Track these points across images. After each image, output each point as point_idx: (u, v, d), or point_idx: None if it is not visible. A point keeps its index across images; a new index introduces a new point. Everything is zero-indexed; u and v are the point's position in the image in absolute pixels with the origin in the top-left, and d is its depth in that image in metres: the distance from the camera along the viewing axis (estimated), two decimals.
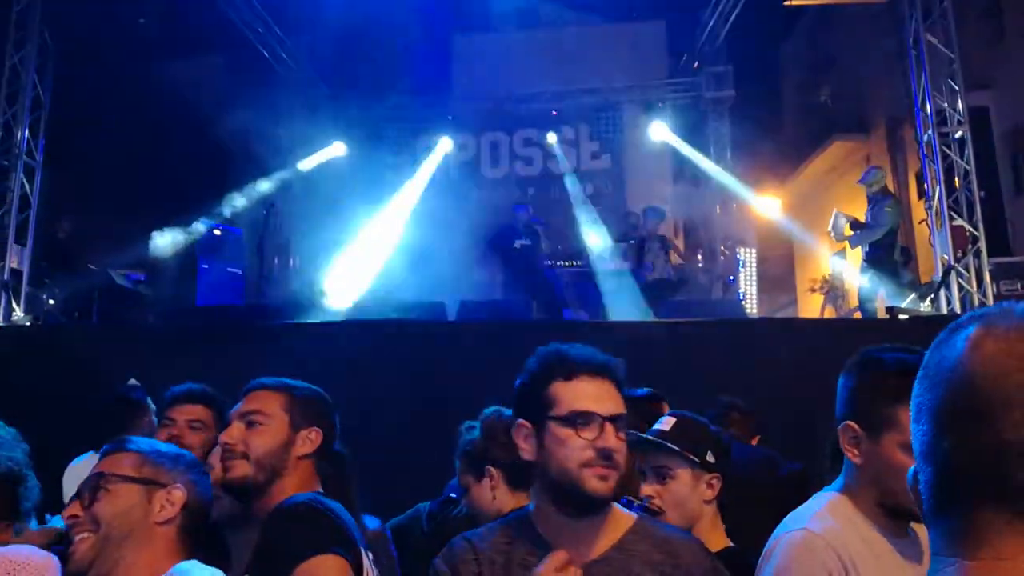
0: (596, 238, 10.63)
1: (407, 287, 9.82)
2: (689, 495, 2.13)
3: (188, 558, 1.69)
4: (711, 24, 12.47)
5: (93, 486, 1.67)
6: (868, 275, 8.20)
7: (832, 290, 17.10)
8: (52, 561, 1.71)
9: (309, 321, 7.33)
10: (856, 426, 1.63)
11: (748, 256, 13.86)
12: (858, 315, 8.72)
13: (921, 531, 1.65)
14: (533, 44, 12.87)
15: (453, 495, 3.49)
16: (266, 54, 12.42)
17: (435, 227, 11.09)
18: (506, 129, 13.72)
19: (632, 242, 9.26)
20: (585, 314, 9.18)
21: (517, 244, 8.97)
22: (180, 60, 9.01)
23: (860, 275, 8.47)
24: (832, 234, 8.61)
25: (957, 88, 8.02)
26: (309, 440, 2.00)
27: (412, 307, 7.53)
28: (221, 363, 5.72)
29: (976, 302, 7.38)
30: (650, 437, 2.15)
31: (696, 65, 13.46)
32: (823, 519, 1.63)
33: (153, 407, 3.95)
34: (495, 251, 9.47)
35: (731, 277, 13.19)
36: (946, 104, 7.95)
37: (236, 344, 6.17)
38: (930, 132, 8.01)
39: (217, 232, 10.19)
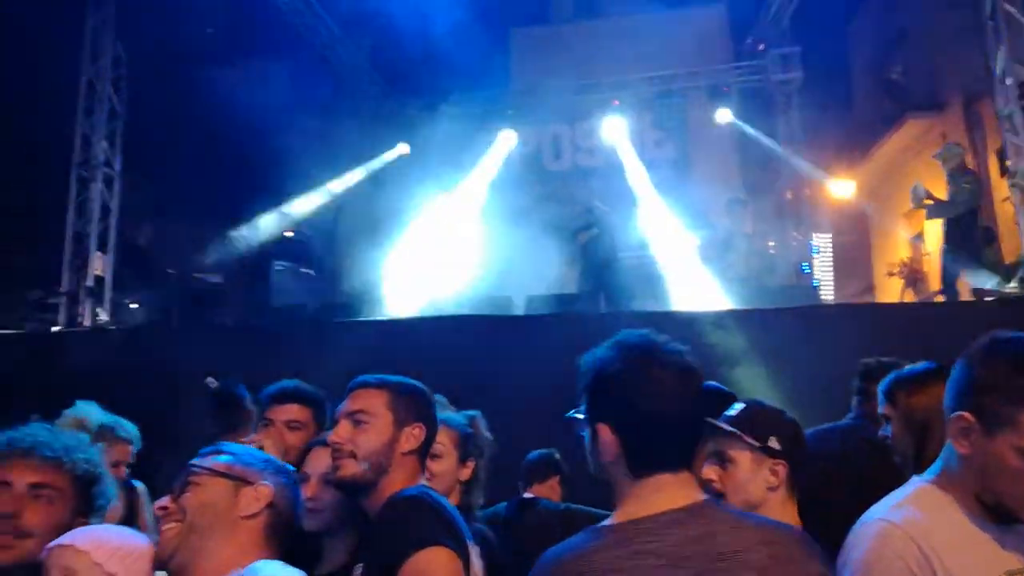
0: (664, 226, 10.48)
1: (474, 282, 9.87)
2: (749, 480, 2.08)
3: (271, 557, 1.71)
4: (776, 5, 12.17)
5: (184, 480, 1.73)
6: (949, 257, 7.88)
7: (912, 273, 16.55)
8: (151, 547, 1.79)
9: (378, 318, 7.45)
10: (971, 417, 1.54)
11: (822, 241, 13.52)
12: (940, 299, 8.40)
13: None
14: (592, 34, 12.79)
15: (529, 495, 3.49)
16: (329, 59, 12.66)
17: (500, 222, 11.12)
18: (567, 121, 13.65)
19: (717, 236, 9.10)
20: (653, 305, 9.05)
21: (585, 235, 8.86)
22: (247, 68, 9.24)
23: (941, 257, 8.14)
24: (912, 202, 8.31)
25: None
26: (413, 436, 2.04)
27: (480, 302, 7.58)
28: (296, 360, 5.84)
29: None
30: (710, 421, 2.11)
31: (761, 47, 13.16)
32: (904, 508, 1.58)
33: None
34: (565, 242, 9.36)
35: (804, 263, 12.88)
36: None
37: (309, 341, 6.31)
38: (1011, 105, 7.66)
39: (289, 234, 10.45)
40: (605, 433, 1.52)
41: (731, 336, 5.47)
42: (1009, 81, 7.67)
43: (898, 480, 1.82)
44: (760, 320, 5.97)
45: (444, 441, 2.52)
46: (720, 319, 5.95)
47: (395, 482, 1.95)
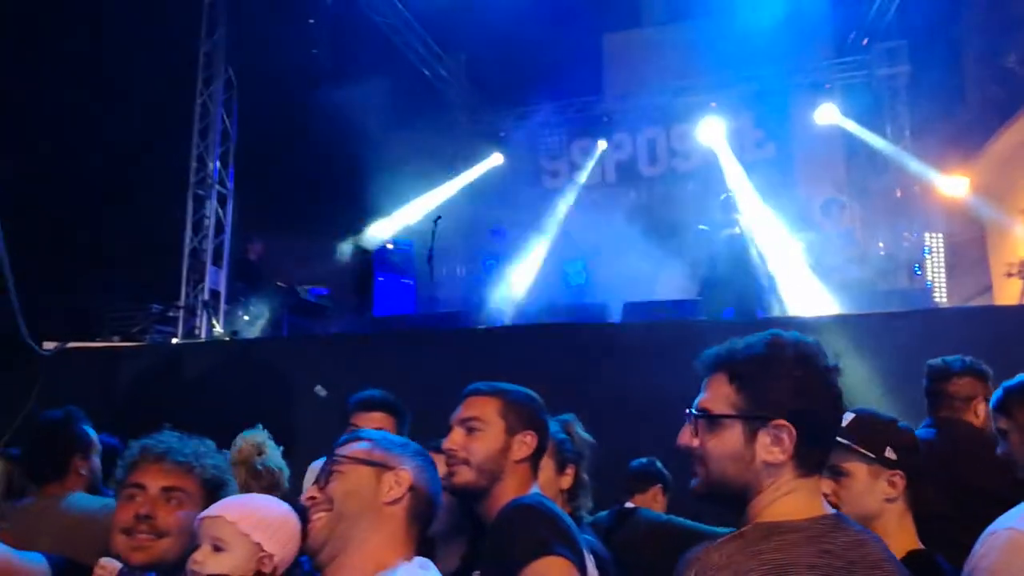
0: (768, 229, 10.19)
1: (570, 290, 9.88)
2: (865, 492, 2.02)
3: (416, 544, 1.77)
4: None
5: (328, 469, 1.79)
6: None
7: None
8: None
9: (478, 326, 7.55)
10: None
11: (935, 241, 12.93)
12: None
13: None
14: (684, 35, 12.62)
15: (630, 505, 3.46)
16: (426, 72, 12.97)
17: (596, 229, 11.10)
18: (662, 125, 13.47)
19: (817, 237, 8.68)
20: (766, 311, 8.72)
21: (725, 234, 8.45)
22: (348, 86, 9.57)
23: None
24: None
25: None
26: (525, 444, 2.07)
27: (575, 309, 7.59)
28: (398, 368, 5.99)
29: None
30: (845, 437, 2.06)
31: (865, 41, 12.70)
32: None
33: None
34: (700, 240, 8.89)
35: (916, 264, 12.34)
36: None
37: (411, 350, 6.45)
38: None
39: (390, 246, 10.75)
40: (786, 432, 1.42)
41: (842, 341, 5.29)
42: None
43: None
44: (871, 325, 5.76)
45: None
46: (830, 324, 5.78)
47: (508, 490, 1.98)
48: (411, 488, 1.76)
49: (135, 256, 9.03)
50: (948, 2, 16.30)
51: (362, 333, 8.30)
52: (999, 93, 16.74)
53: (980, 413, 3.16)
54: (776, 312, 7.93)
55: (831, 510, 1.46)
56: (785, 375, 1.43)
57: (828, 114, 12.27)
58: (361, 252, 10.60)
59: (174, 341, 8.41)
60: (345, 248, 10.38)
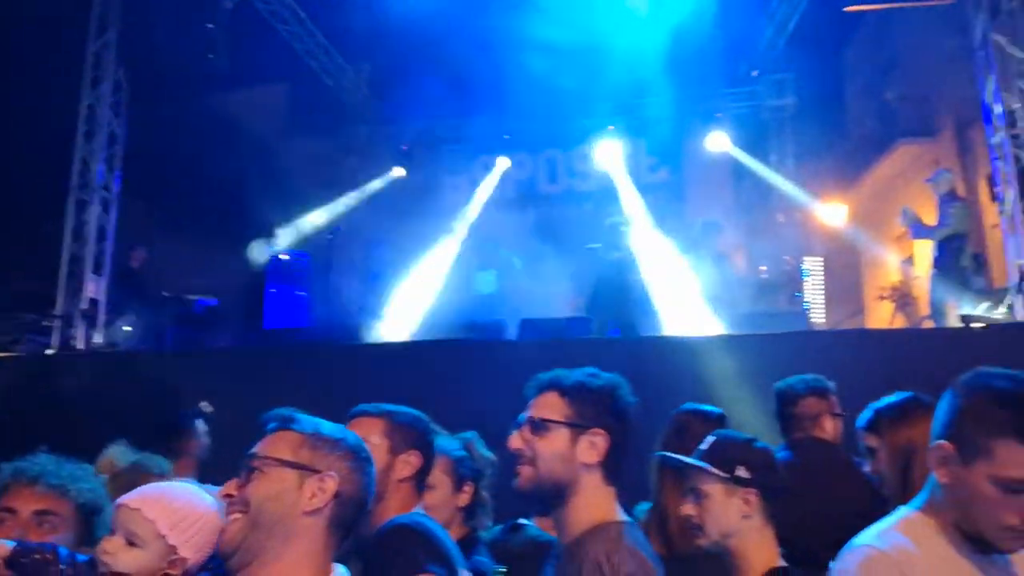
0: (658, 251, 10.52)
1: (467, 307, 9.90)
2: (721, 511, 2.11)
3: (335, 551, 1.62)
4: (770, 31, 12.33)
5: (248, 466, 1.60)
6: (938, 282, 7.94)
7: (902, 297, 16.64)
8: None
9: (373, 342, 7.47)
10: (950, 447, 1.58)
11: (814, 265, 13.60)
12: (930, 323, 8.46)
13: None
14: (588, 59, 12.90)
15: (522, 521, 3.49)
16: (328, 82, 12.78)
17: (495, 246, 11.17)
18: (562, 146, 13.76)
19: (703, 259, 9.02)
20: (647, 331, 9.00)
21: (612, 256, 8.70)
22: (246, 91, 9.35)
23: (930, 282, 8.21)
24: (901, 222, 8.38)
25: None
26: (408, 464, 2.10)
27: (473, 327, 7.60)
28: (289, 384, 5.87)
29: None
30: (678, 457, 2.22)
31: (755, 73, 13.31)
32: (892, 535, 1.61)
33: (202, 430, 4.08)
34: (588, 260, 9.11)
35: (796, 287, 12.95)
36: (1017, 105, 7.69)
37: (303, 365, 6.33)
38: (1001, 134, 7.76)
39: (284, 257, 10.49)
40: (601, 438, 1.88)
41: (725, 361, 5.50)
42: (998, 109, 7.78)
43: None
44: (753, 345, 6.01)
45: (434, 472, 2.45)
46: (714, 344, 5.99)
47: (390, 509, 1.99)
48: (336, 495, 1.58)
49: (10, 263, 8.54)
50: (833, 40, 17.27)
51: (252, 346, 8.07)
52: (877, 127, 17.81)
53: (827, 428, 3.32)
54: (660, 332, 8.17)
55: (622, 516, 1.85)
56: (604, 397, 1.87)
57: (718, 142, 12.78)
58: (253, 262, 10.31)
59: (48, 352, 7.98)
60: (235, 258, 10.05)
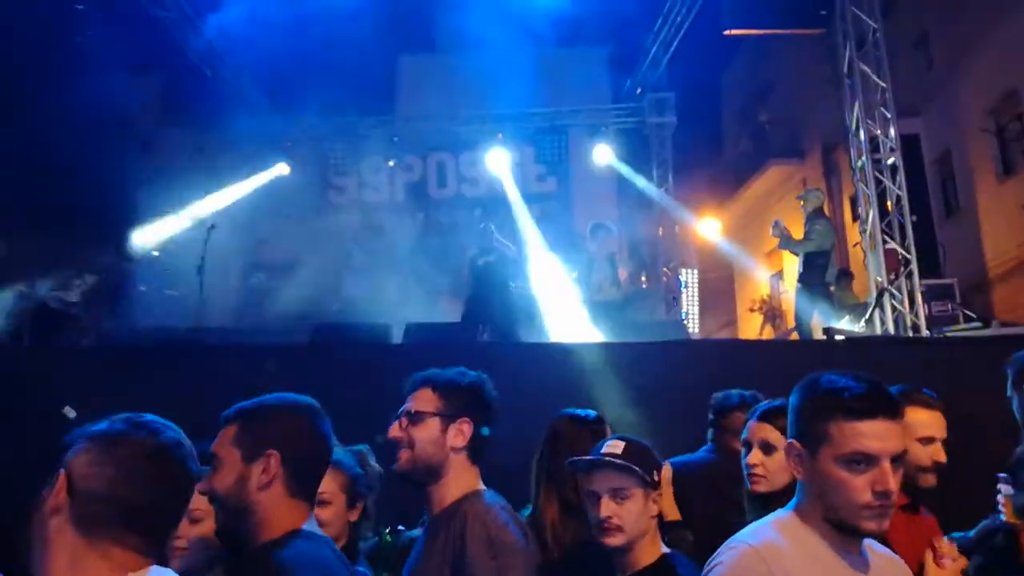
0: (543, 259, 10.66)
1: (351, 309, 9.71)
2: (642, 513, 2.24)
3: (135, 556, 1.44)
4: (653, 51, 12.74)
5: None
6: (802, 296, 8.37)
7: (770, 310, 17.53)
8: None
9: (251, 344, 7.20)
10: (798, 444, 1.70)
11: (689, 277, 14.12)
12: (795, 335, 8.91)
13: (871, 550, 1.71)
14: (478, 66, 12.97)
15: (401, 528, 3.44)
16: (208, 73, 12.28)
17: (382, 247, 11.02)
18: (452, 150, 13.77)
19: (583, 261, 9.15)
20: (529, 336, 9.08)
21: (481, 261, 8.79)
22: (120, 78, 8.82)
23: (795, 295, 8.65)
24: (772, 233, 8.75)
25: (889, 116, 8.33)
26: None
27: (356, 329, 7.44)
28: (158, 386, 5.58)
29: (909, 323, 7.63)
30: (615, 460, 2.25)
31: (639, 91, 13.73)
32: (764, 533, 1.69)
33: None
34: (448, 267, 9.19)
35: (674, 297, 13.40)
36: (879, 131, 8.24)
37: (173, 367, 6.02)
38: (864, 158, 8.30)
39: (156, 253, 9.98)
40: (466, 424, 2.17)
41: (605, 368, 5.61)
42: (862, 135, 8.31)
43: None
44: (632, 353, 6.15)
45: (331, 487, 2.46)
46: (594, 351, 6.10)
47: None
48: (69, 491, 1.39)
49: None
50: (712, 62, 18.03)
51: (117, 345, 7.61)
52: (750, 147, 18.74)
53: None
54: (537, 338, 8.26)
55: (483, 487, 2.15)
56: (471, 391, 2.18)
57: (604, 155, 13.12)
58: (123, 258, 9.74)
59: None
60: (102, 253, 9.47)
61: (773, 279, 16.42)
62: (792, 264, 13.88)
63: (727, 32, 10.51)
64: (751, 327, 18.11)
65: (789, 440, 1.73)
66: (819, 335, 7.87)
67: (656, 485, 2.27)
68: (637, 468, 2.23)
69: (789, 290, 13.68)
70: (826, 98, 14.43)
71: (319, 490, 2.45)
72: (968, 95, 12.01)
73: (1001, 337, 6.25)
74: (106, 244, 9.65)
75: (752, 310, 18.10)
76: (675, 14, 11.74)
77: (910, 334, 7.74)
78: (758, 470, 2.48)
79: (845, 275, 9.77)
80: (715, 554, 1.71)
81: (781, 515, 1.75)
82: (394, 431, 2.13)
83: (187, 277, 10.06)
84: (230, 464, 1.81)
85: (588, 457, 2.31)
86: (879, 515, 1.61)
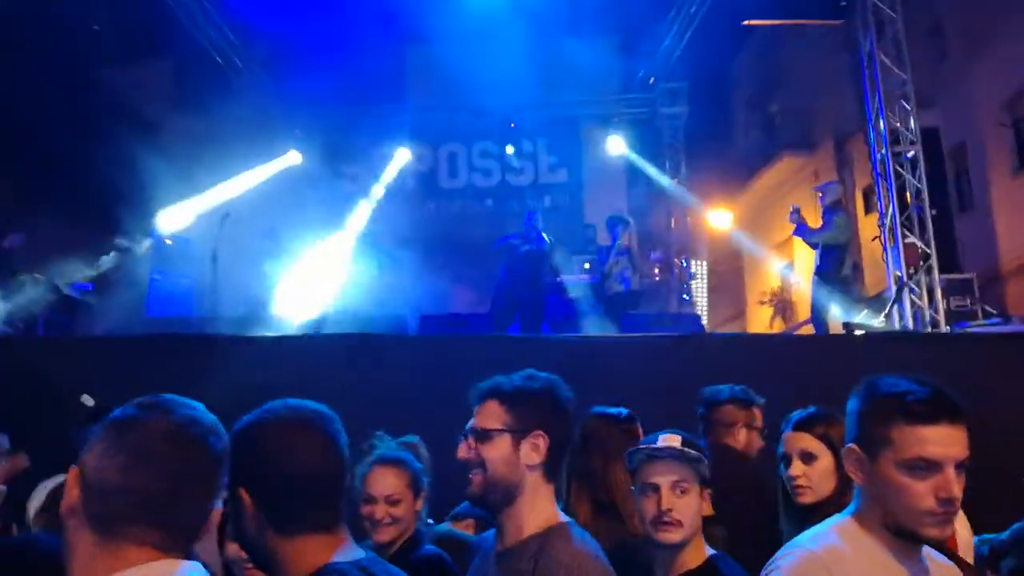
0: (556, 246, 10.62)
1: (366, 300, 9.69)
2: (698, 510, 2.20)
3: (137, 552, 1.33)
4: (667, 40, 12.65)
5: None
6: (819, 289, 8.29)
7: (781, 303, 17.48)
8: None
9: (264, 334, 7.18)
10: (858, 449, 1.68)
11: (699, 268, 14.07)
12: (807, 329, 8.85)
13: (929, 557, 1.68)
14: (490, 56, 12.90)
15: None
16: (219, 60, 12.23)
17: (394, 238, 10.99)
18: (464, 141, 13.72)
19: (599, 253, 9.05)
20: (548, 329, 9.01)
21: (524, 248, 8.62)
22: (130, 65, 8.79)
23: (812, 289, 8.57)
24: (790, 219, 8.58)
25: (909, 108, 8.24)
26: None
27: (372, 320, 7.42)
28: (173, 376, 5.56)
29: (928, 318, 7.58)
30: (678, 450, 2.20)
31: (652, 81, 13.64)
32: (825, 538, 1.67)
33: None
34: (500, 250, 8.93)
35: (687, 289, 13.37)
36: (899, 123, 8.15)
37: (188, 356, 6.00)
38: (883, 151, 8.22)
39: (169, 241, 9.96)
40: (542, 440, 1.92)
41: (625, 363, 5.58)
42: (882, 126, 8.23)
43: None
44: (651, 347, 6.13)
45: (399, 487, 2.61)
46: (614, 345, 6.08)
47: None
48: (82, 488, 1.33)
49: None
50: (724, 52, 17.91)
51: (132, 335, 7.60)
52: (761, 138, 18.64)
53: (739, 438, 3.43)
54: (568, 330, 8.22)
55: (567, 518, 1.93)
56: (542, 400, 1.92)
57: (616, 145, 13.05)
58: (136, 246, 9.72)
59: None
60: (116, 241, 9.44)
61: (784, 271, 16.34)
62: (804, 255, 13.83)
63: (747, 22, 10.43)
64: (760, 320, 18.06)
65: (848, 444, 1.71)
66: (836, 329, 7.83)
67: (709, 483, 2.22)
68: (700, 460, 2.19)
69: (801, 281, 13.63)
70: (838, 90, 14.35)
71: (388, 492, 2.55)
72: (983, 87, 11.90)
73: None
74: (119, 232, 9.62)
75: (762, 302, 18.04)
76: (689, 3, 11.64)
77: (929, 329, 7.69)
78: (801, 481, 2.43)
79: (858, 269, 9.71)
80: (772, 559, 1.69)
81: (840, 520, 1.72)
82: (463, 451, 1.93)
83: (201, 266, 10.06)
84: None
85: (650, 446, 2.23)
86: (941, 522, 1.58)
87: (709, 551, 2.22)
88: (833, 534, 1.68)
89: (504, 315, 8.16)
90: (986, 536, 2.93)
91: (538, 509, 1.90)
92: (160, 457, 1.32)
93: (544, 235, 8.92)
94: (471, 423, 1.96)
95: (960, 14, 12.27)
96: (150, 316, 8.98)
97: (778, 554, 1.69)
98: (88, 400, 4.99)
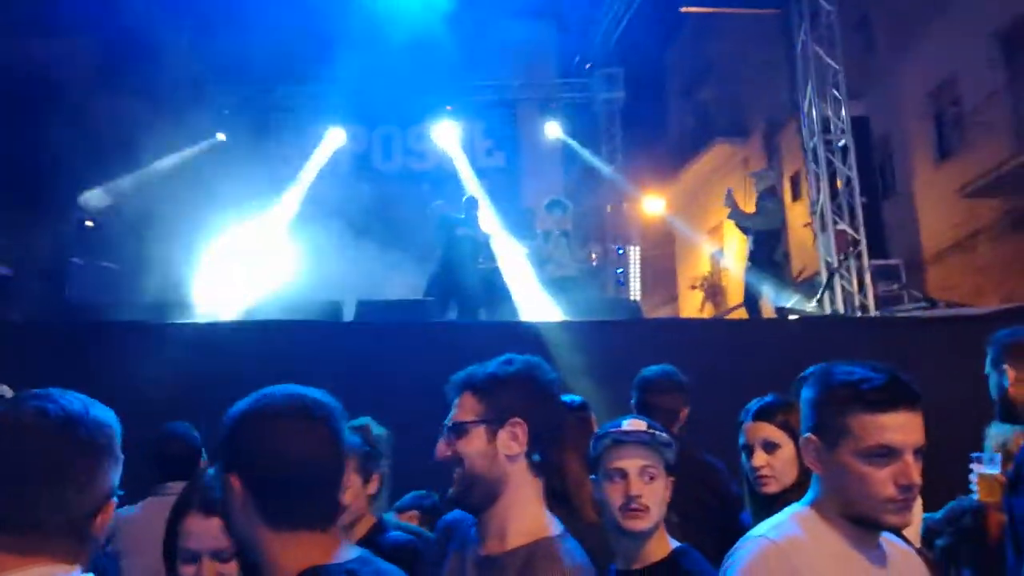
0: (496, 235, 10.55)
1: (297, 286, 9.47)
2: (664, 498, 2.11)
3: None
4: (603, 25, 12.67)
5: None
6: (753, 274, 8.38)
7: (711, 287, 17.81)
8: None
9: (192, 321, 6.93)
10: (815, 438, 1.65)
11: (633, 254, 14.20)
12: (738, 314, 8.99)
13: (888, 543, 1.67)
14: (427, 37, 12.71)
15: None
16: (143, 38, 11.73)
17: (327, 222, 10.75)
18: (399, 123, 13.51)
19: (538, 237, 9.02)
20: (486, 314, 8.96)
21: (460, 231, 8.54)
22: (51, 39, 8.33)
23: (745, 274, 8.67)
24: (725, 203, 8.63)
25: (840, 97, 8.41)
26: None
27: (304, 307, 7.22)
28: (93, 363, 5.31)
29: (857, 303, 7.77)
30: (646, 434, 2.12)
31: (588, 66, 13.65)
32: (785, 528, 1.65)
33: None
34: (436, 233, 8.86)
35: (620, 273, 13.47)
36: (830, 112, 8.31)
37: (108, 344, 5.75)
38: (815, 139, 8.37)
39: (90, 224, 9.54)
40: (520, 428, 1.73)
41: (569, 347, 5.56)
42: (814, 115, 8.38)
43: None
44: (588, 330, 6.12)
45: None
46: (550, 330, 6.05)
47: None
48: None
49: None
50: (658, 39, 18.07)
51: (51, 322, 7.25)
52: (694, 125, 18.90)
53: (681, 422, 3.43)
54: (504, 316, 8.16)
55: (558, 528, 1.74)
56: (517, 385, 1.74)
57: (553, 130, 13.03)
58: (53, 229, 9.27)
59: None
60: (34, 223, 8.98)
61: (715, 256, 16.65)
62: (736, 241, 14.08)
63: (684, 9, 10.50)
64: (692, 304, 18.37)
65: (804, 435, 1.68)
66: (768, 314, 7.96)
67: (674, 471, 2.14)
68: (669, 445, 2.12)
69: (732, 267, 13.89)
70: (769, 78, 14.62)
71: None
72: (909, 80, 12.27)
73: (952, 318, 6.40)
74: (38, 214, 9.16)
75: (693, 287, 18.35)
76: None
77: (859, 314, 7.89)
78: (765, 471, 2.39)
79: (785, 255, 9.88)
80: (732, 548, 1.66)
81: (799, 510, 1.70)
82: (440, 451, 1.77)
83: (122, 250, 9.68)
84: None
85: (618, 430, 2.13)
86: (902, 508, 1.57)
87: (673, 543, 2.15)
88: (794, 523, 1.65)
89: (440, 301, 8.07)
90: (925, 515, 2.99)
91: (524, 511, 1.73)
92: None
93: (481, 222, 8.86)
94: (448, 418, 1.81)
95: (887, 9, 12.62)
96: (70, 302, 8.57)
97: (739, 543, 1.66)
98: (6, 390, 4.73)
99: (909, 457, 1.56)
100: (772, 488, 2.40)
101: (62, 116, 8.95)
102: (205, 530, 1.80)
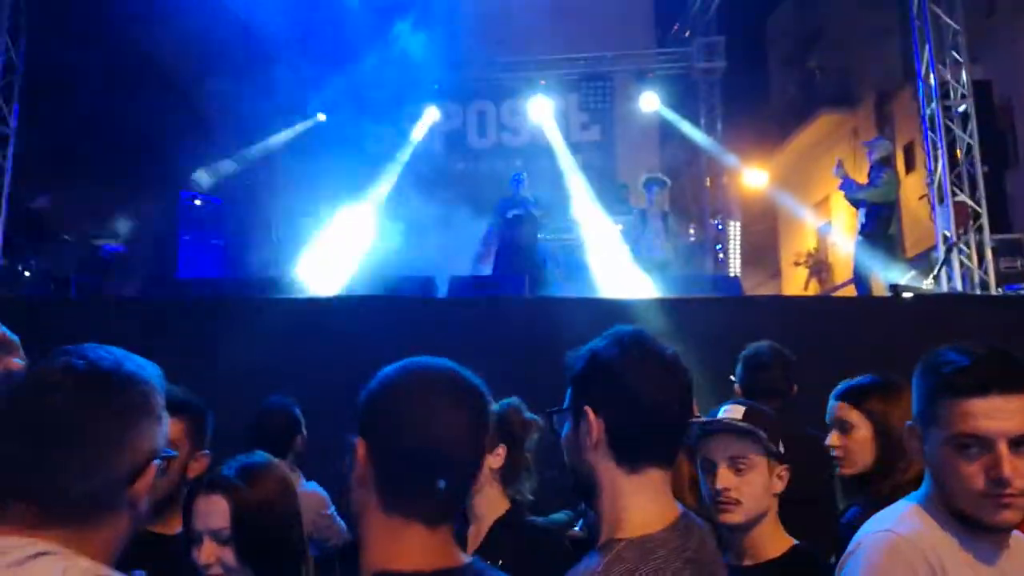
0: (588, 210, 10.43)
1: (395, 262, 9.60)
2: (765, 488, 1.96)
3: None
4: None
5: None
6: (864, 249, 7.96)
7: (817, 264, 17.13)
8: None
9: (294, 296, 7.11)
10: (916, 427, 1.55)
11: (733, 229, 13.79)
12: (847, 291, 8.59)
13: (1016, 540, 1.52)
14: (519, 12, 12.60)
15: None
16: (246, 22, 12.06)
17: (422, 198, 10.85)
18: (493, 99, 13.47)
19: (634, 215, 8.91)
20: (573, 289, 8.92)
21: (510, 214, 8.68)
22: (159, 25, 8.65)
23: (855, 249, 8.25)
24: (835, 173, 8.19)
25: (961, 60, 7.86)
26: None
27: (401, 282, 7.30)
28: (202, 338, 5.50)
29: (977, 279, 7.30)
30: (729, 421, 1.97)
31: (687, 35, 13.26)
32: (907, 521, 1.53)
33: None
34: (491, 221, 9.13)
35: (720, 249, 13.12)
36: (949, 76, 7.79)
37: (217, 318, 5.94)
38: (933, 105, 7.87)
39: (198, 203, 9.93)
40: (591, 416, 1.43)
41: (660, 324, 5.41)
42: (932, 80, 7.87)
43: None
44: (691, 309, 5.95)
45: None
46: (648, 307, 5.90)
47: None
48: None
49: None
50: (760, 5, 17.40)
51: (162, 296, 7.57)
52: (798, 95, 18.15)
53: (789, 400, 3.28)
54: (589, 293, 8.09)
55: (680, 508, 1.46)
56: (591, 373, 1.47)
57: (650, 102, 12.71)
58: (165, 208, 9.71)
59: None
60: (147, 203, 9.42)
61: (821, 230, 15.99)
62: (844, 215, 13.47)
63: None
64: (795, 282, 17.72)
65: (907, 424, 1.58)
66: (879, 291, 7.57)
67: (781, 457, 1.97)
68: (761, 433, 1.94)
69: (840, 242, 13.29)
70: (880, 44, 13.86)
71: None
72: None
73: None
74: (149, 193, 9.59)
75: (797, 263, 17.70)
76: None
77: (978, 291, 7.42)
78: (837, 452, 2.29)
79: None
80: (851, 544, 1.54)
81: (909, 506, 1.57)
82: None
83: (229, 227, 10.03)
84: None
85: (704, 420, 2.00)
86: (1004, 505, 1.41)
87: (792, 539, 1.99)
88: (913, 518, 1.53)
89: (518, 278, 8.10)
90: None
91: (622, 509, 1.44)
92: (9, 416, 1.14)
93: (529, 198, 8.95)
94: None
95: None
96: (179, 278, 8.96)
97: (856, 540, 1.54)
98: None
99: (1003, 447, 1.40)
100: (846, 470, 2.29)
101: (172, 99, 9.30)
102: (206, 509, 1.79)
